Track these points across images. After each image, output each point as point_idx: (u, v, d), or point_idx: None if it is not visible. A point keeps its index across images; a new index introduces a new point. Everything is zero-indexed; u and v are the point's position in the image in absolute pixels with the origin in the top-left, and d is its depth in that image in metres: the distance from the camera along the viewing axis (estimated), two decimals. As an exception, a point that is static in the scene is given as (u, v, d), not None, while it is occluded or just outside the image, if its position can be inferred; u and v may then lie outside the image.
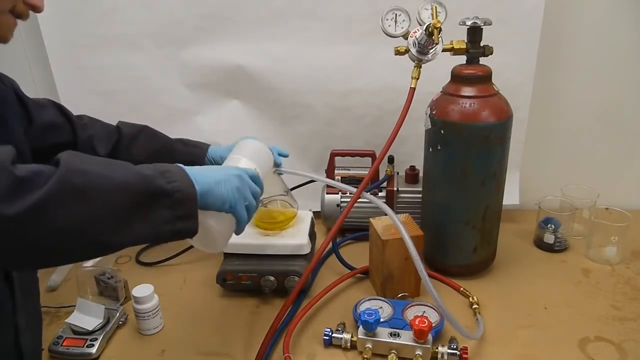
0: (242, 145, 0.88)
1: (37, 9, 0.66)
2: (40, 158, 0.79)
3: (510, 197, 1.22)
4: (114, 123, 0.97)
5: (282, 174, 1.02)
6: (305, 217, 1.08)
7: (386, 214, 0.92)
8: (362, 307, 0.92)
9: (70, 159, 0.55)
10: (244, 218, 0.73)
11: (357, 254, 1.11)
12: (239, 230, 0.75)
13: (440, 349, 0.83)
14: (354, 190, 0.96)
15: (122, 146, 0.93)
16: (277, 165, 0.97)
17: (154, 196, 0.59)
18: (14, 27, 0.66)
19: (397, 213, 1.04)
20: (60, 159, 0.55)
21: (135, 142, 0.94)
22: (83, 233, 0.54)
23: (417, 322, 0.81)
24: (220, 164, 1.00)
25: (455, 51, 0.95)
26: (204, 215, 0.68)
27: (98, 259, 1.11)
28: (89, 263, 1.09)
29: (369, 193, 1.02)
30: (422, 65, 0.93)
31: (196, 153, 0.97)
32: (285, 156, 1.00)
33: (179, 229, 0.62)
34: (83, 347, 0.87)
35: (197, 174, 0.66)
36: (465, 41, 0.95)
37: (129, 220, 0.58)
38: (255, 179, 0.77)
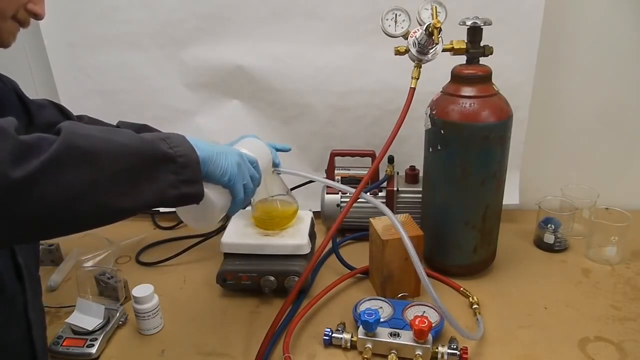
0: (242, 142, 0.89)
1: (39, 17, 0.67)
2: None
3: (510, 197, 1.22)
4: (114, 123, 0.97)
5: (280, 173, 1.02)
6: (305, 217, 1.08)
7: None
8: (362, 307, 0.92)
9: (72, 125, 0.55)
10: (240, 196, 0.73)
11: (357, 254, 1.11)
12: (232, 210, 0.75)
13: (440, 349, 0.83)
14: (352, 190, 0.96)
15: None
16: (275, 165, 0.97)
17: (158, 160, 0.60)
18: (17, 32, 0.67)
19: (397, 213, 1.05)
20: (61, 127, 0.54)
21: None
22: (90, 195, 0.54)
23: (417, 322, 0.81)
24: None
25: (455, 51, 0.95)
26: None
27: (98, 258, 1.12)
28: (89, 263, 1.09)
29: (367, 193, 1.02)
30: (422, 65, 0.93)
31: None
32: (287, 150, 1.00)
33: (185, 192, 0.62)
34: (83, 347, 0.87)
35: (199, 142, 0.66)
36: (465, 41, 0.95)
37: (135, 183, 0.58)
38: (254, 165, 0.78)
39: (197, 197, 0.65)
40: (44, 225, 0.53)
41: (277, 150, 0.98)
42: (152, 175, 0.59)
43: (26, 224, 0.52)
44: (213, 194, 0.70)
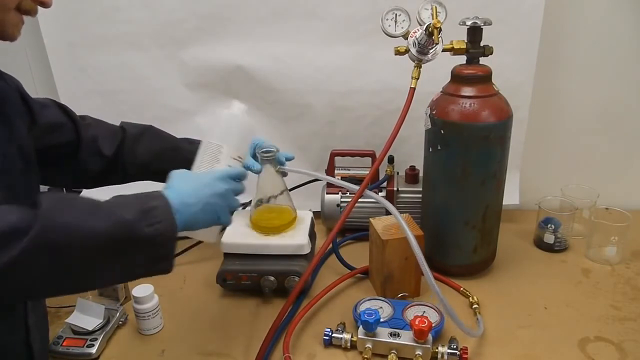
0: (214, 131, 0.85)
1: (46, 4, 0.66)
2: (43, 157, 0.79)
3: (510, 197, 1.22)
4: (115, 123, 0.97)
5: (286, 175, 1.02)
6: (305, 217, 1.08)
7: (386, 214, 0.92)
8: (362, 307, 0.92)
9: (50, 208, 0.56)
10: (228, 222, 0.76)
11: (357, 254, 1.11)
12: (225, 224, 0.77)
13: (440, 349, 0.83)
14: (357, 188, 0.96)
15: (127, 146, 0.93)
16: (280, 163, 0.98)
17: (133, 244, 0.60)
18: (21, 24, 0.66)
19: (397, 213, 1.05)
20: (40, 206, 0.55)
21: (139, 142, 0.94)
22: (56, 283, 0.57)
23: (417, 322, 0.81)
24: None
25: (455, 51, 0.95)
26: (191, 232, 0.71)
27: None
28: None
29: (371, 191, 1.02)
30: (422, 65, 0.93)
31: None
32: (291, 159, 1.01)
33: (154, 270, 0.65)
34: (83, 347, 0.87)
35: (182, 204, 0.67)
36: (465, 41, 0.95)
37: (103, 269, 0.60)
38: (238, 177, 0.78)
39: (166, 271, 0.65)
40: (18, 300, 0.59)
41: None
42: (124, 259, 0.61)
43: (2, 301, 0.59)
44: (202, 231, 0.73)
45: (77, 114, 0.91)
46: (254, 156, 1.00)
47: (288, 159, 1.01)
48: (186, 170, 0.77)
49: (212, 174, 0.76)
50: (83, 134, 0.89)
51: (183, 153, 0.94)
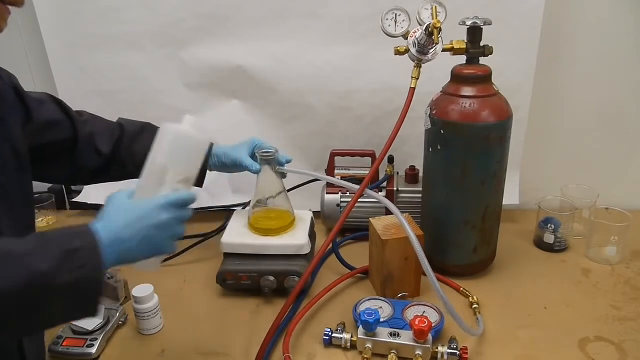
0: (161, 148, 0.72)
1: None
2: (40, 154, 0.79)
3: (510, 197, 1.22)
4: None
5: (285, 177, 1.03)
6: (305, 217, 1.08)
7: (386, 214, 0.92)
8: (362, 307, 0.92)
9: None
10: (172, 251, 0.68)
11: (357, 254, 1.11)
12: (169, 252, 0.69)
13: (440, 349, 0.83)
14: (357, 187, 0.96)
15: (125, 144, 0.92)
16: (280, 164, 0.98)
17: (49, 295, 0.55)
18: (7, 15, 0.64)
19: (397, 213, 1.05)
20: None
21: (138, 140, 0.93)
22: None
23: (417, 322, 0.81)
24: (225, 163, 1.01)
25: (455, 51, 0.95)
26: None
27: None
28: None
29: (372, 191, 1.02)
30: (422, 65, 0.93)
31: None
32: (289, 161, 1.01)
33: (77, 317, 0.61)
34: (83, 347, 0.87)
35: (115, 240, 0.60)
36: (465, 41, 0.95)
37: (17, 324, 0.56)
38: (183, 203, 0.68)
39: (93, 315, 0.60)
40: None
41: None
42: (40, 310, 0.55)
43: None
44: (142, 263, 0.66)
45: (74, 110, 0.90)
46: (253, 156, 1.00)
47: (287, 162, 1.01)
48: (126, 193, 0.67)
49: (154, 201, 0.65)
50: (80, 131, 0.88)
51: None
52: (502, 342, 0.89)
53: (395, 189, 1.18)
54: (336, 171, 1.22)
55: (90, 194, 1.33)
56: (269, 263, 0.99)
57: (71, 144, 0.88)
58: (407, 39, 0.92)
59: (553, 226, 1.13)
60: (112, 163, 0.92)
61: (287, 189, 1.06)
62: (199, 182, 1.01)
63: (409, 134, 1.11)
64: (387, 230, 0.96)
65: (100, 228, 0.60)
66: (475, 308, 0.95)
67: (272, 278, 0.98)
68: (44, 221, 1.32)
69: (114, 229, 0.61)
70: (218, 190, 1.31)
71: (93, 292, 0.58)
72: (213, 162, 1.02)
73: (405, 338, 0.84)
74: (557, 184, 1.20)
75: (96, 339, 0.88)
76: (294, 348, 0.88)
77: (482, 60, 0.96)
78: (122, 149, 0.92)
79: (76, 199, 1.35)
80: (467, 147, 0.95)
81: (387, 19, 0.93)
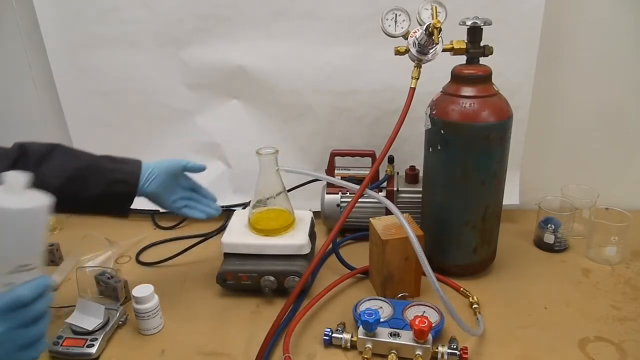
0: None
1: None
2: None
3: (510, 197, 1.22)
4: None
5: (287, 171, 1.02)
6: (305, 217, 1.08)
7: (386, 214, 0.92)
8: (362, 307, 0.92)
9: None
10: (36, 356, 0.56)
11: (357, 254, 1.11)
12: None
13: (440, 349, 0.83)
14: (357, 187, 0.96)
15: (29, 166, 0.79)
16: (190, 170, 0.94)
17: None
18: None
19: (397, 213, 1.05)
20: None
21: (47, 161, 0.82)
22: None
23: (417, 322, 0.81)
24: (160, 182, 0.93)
25: (455, 51, 0.95)
26: None
27: (98, 258, 1.12)
28: (89, 263, 1.09)
29: (372, 190, 1.02)
30: (422, 65, 0.93)
31: (127, 170, 0.89)
32: (202, 169, 0.98)
33: None
34: (83, 347, 0.87)
35: None
36: (465, 41, 0.95)
37: None
38: (21, 302, 0.53)
39: None
40: None
41: (189, 169, 0.96)
42: None
43: None
44: None
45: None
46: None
47: (200, 170, 0.98)
48: None
49: None
50: None
51: (105, 172, 0.84)
52: (502, 342, 0.89)
53: (395, 189, 1.19)
54: (336, 171, 1.22)
55: None
56: (269, 263, 0.99)
57: None
58: (407, 39, 0.92)
59: (553, 226, 1.13)
60: None
61: (287, 189, 1.06)
62: (124, 210, 0.89)
63: (409, 134, 1.11)
64: (387, 230, 0.97)
65: None
66: (475, 308, 0.95)
67: (272, 278, 0.98)
68: None
69: None
70: (218, 190, 1.31)
71: None
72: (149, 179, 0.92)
73: (405, 338, 0.84)
74: (557, 184, 1.20)
75: (96, 339, 0.88)
76: (294, 348, 0.88)
77: (482, 60, 0.96)
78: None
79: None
80: (467, 147, 0.95)
81: (387, 19, 0.93)
